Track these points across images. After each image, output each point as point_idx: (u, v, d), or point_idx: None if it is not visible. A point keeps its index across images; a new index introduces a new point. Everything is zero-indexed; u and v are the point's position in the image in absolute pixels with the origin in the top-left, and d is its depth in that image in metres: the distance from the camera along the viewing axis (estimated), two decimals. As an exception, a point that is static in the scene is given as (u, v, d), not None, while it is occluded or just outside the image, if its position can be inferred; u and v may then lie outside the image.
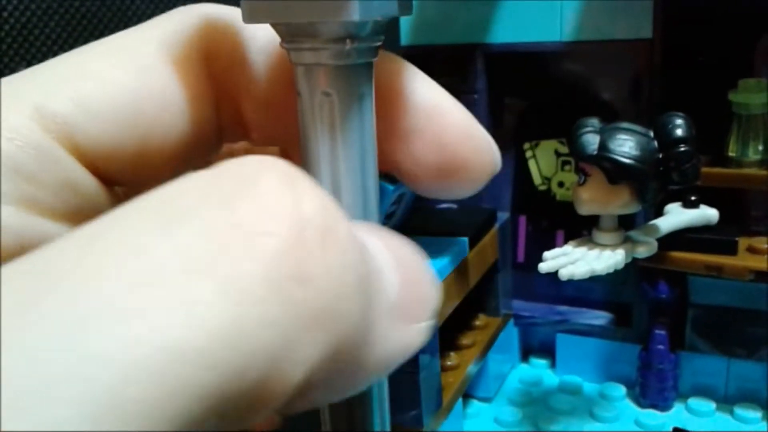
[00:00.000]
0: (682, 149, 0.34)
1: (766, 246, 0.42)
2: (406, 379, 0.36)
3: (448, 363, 0.43)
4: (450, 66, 0.48)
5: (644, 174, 0.35)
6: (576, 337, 0.49)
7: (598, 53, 0.44)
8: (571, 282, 0.47)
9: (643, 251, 0.38)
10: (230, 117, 0.31)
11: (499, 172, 0.47)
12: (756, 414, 0.44)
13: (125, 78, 0.27)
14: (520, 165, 0.51)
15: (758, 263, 0.41)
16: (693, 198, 0.42)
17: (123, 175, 0.28)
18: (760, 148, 0.42)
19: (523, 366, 0.52)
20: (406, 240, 0.27)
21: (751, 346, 0.45)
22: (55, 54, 0.49)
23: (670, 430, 0.42)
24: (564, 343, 0.50)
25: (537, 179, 0.50)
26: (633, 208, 0.36)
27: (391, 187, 0.38)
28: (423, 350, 0.37)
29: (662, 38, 0.42)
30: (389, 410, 0.32)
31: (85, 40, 0.33)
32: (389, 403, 0.33)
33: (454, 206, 0.49)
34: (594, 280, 0.47)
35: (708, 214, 0.42)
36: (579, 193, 0.37)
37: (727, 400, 0.46)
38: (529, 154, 0.50)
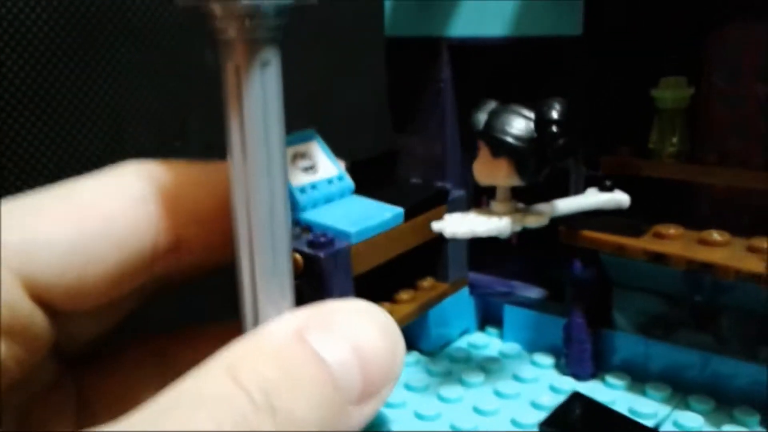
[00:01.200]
0: (553, 129, 0.39)
1: (672, 231, 0.45)
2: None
3: (380, 311, 0.49)
4: (420, 56, 0.54)
5: (519, 150, 0.40)
6: (520, 308, 0.54)
7: (536, 47, 0.49)
8: (519, 257, 0.53)
9: (532, 221, 0.42)
10: (167, 242, 0.40)
11: (466, 156, 0.53)
12: (665, 392, 0.47)
13: (65, 218, 0.37)
14: (483, 149, 0.56)
15: (659, 247, 0.44)
16: (608, 183, 0.46)
17: (70, 301, 0.37)
18: (675, 140, 0.45)
19: (479, 333, 0.57)
20: (367, 311, 0.36)
21: (670, 328, 0.47)
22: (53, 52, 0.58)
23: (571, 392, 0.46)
24: (510, 314, 0.55)
25: (496, 163, 0.55)
26: (515, 180, 0.41)
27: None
28: (333, 292, 0.43)
29: (591, 35, 0.46)
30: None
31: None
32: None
33: (420, 182, 0.55)
34: (537, 257, 0.52)
35: (619, 198, 0.45)
36: (473, 166, 0.42)
37: (644, 379, 0.48)
38: (490, 139, 0.55)
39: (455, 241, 0.54)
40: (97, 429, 0.28)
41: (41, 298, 0.35)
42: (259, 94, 0.38)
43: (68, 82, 0.63)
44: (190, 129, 0.73)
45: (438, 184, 0.53)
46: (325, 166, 0.48)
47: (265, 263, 0.39)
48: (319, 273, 0.42)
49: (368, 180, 0.51)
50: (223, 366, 0.32)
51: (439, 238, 0.52)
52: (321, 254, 0.42)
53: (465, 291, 0.55)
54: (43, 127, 0.62)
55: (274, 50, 0.38)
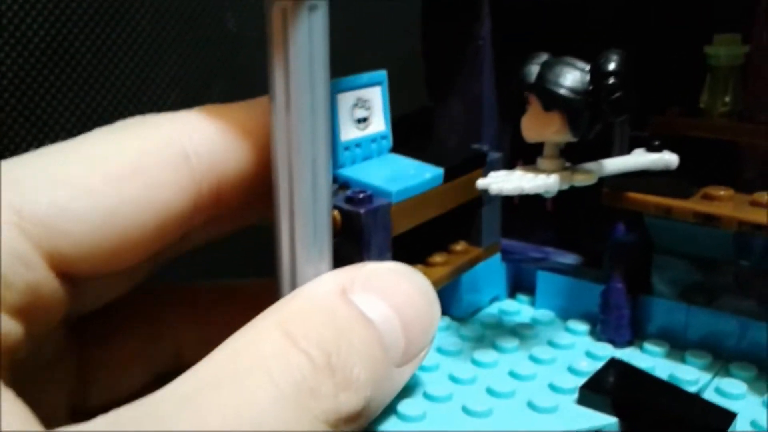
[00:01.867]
0: (611, 81, 0.37)
1: (722, 193, 0.43)
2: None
3: (414, 273, 0.47)
4: (459, 12, 0.52)
5: (573, 102, 0.38)
6: (554, 275, 0.52)
7: (584, 2, 0.47)
8: (554, 224, 0.51)
9: (581, 179, 0.41)
10: (209, 200, 0.37)
11: (504, 117, 0.51)
12: (705, 360, 0.45)
13: (104, 187, 0.32)
14: (521, 112, 0.54)
15: (708, 208, 0.42)
16: (656, 143, 0.44)
17: (97, 270, 0.34)
18: (727, 99, 0.44)
19: (510, 300, 0.56)
20: (406, 273, 0.35)
21: (712, 295, 0.46)
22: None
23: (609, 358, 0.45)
24: (543, 280, 0.53)
25: (533, 125, 0.53)
26: (567, 136, 0.39)
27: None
28: (371, 250, 0.42)
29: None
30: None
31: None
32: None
33: (457, 142, 0.54)
34: (571, 224, 0.50)
35: (667, 159, 0.44)
36: (522, 121, 0.40)
37: (683, 347, 0.47)
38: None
39: (490, 204, 0.52)
40: (160, 392, 0.26)
41: (66, 271, 0.32)
42: (306, 40, 0.36)
43: (88, 46, 0.62)
44: (213, 93, 0.71)
45: (475, 145, 0.51)
46: (377, 120, 0.46)
47: (305, 222, 0.38)
48: (358, 230, 0.41)
49: (404, 138, 0.49)
50: (276, 326, 0.31)
51: (475, 201, 0.50)
52: (361, 210, 0.40)
53: (497, 257, 0.54)
54: (67, 92, 0.60)
55: (322, -6, 0.36)
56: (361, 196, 0.41)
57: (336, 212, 0.41)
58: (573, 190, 0.42)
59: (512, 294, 0.56)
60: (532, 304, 0.54)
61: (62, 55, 0.60)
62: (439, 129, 0.54)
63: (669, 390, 0.42)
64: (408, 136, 0.50)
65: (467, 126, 0.53)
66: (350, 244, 0.42)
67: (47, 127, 0.61)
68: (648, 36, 0.45)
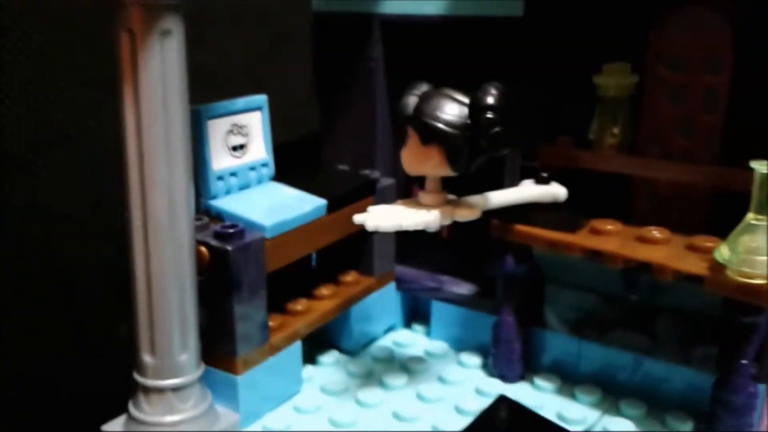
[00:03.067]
0: (489, 116, 0.35)
1: (609, 227, 0.42)
2: (224, 312, 0.39)
3: (297, 308, 0.45)
4: (351, 33, 0.50)
5: (451, 137, 0.36)
6: (448, 305, 0.50)
7: (473, 28, 0.45)
8: (450, 251, 0.49)
9: (463, 215, 0.38)
10: None
11: (398, 141, 0.49)
12: (595, 396, 0.44)
13: None
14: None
15: (594, 243, 0.41)
16: (544, 175, 0.42)
17: None
18: (616, 131, 0.42)
19: (404, 330, 0.53)
20: None
21: (604, 328, 0.45)
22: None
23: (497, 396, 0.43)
24: (438, 310, 0.51)
25: (428, 150, 0.51)
26: (446, 170, 0.37)
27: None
28: (242, 288, 0.39)
29: (532, 16, 0.43)
30: (197, 336, 0.34)
31: None
32: (202, 333, 0.35)
33: (347, 168, 0.51)
34: (468, 251, 0.48)
35: (555, 191, 0.42)
36: (401, 154, 0.38)
37: (575, 381, 0.45)
38: (422, 124, 0.51)
39: (382, 232, 0.49)
40: None
41: None
42: (158, 67, 0.33)
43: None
44: (106, 108, 0.67)
45: (366, 171, 0.49)
46: (256, 147, 0.43)
47: (162, 261, 0.35)
48: (226, 268, 0.37)
49: (290, 165, 0.46)
50: None
51: (366, 229, 0.48)
52: (229, 247, 0.37)
53: (391, 285, 0.51)
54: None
55: (177, 18, 0.33)
56: (231, 230, 0.38)
57: (203, 249, 0.38)
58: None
59: (408, 323, 0.54)
60: (428, 334, 0.52)
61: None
62: (329, 153, 0.51)
63: None
64: (294, 163, 0.47)
65: (359, 151, 0.51)
66: (219, 283, 0.38)
67: None
68: (539, 64, 0.43)
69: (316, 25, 0.51)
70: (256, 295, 0.39)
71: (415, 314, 0.54)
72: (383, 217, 0.37)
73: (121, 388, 0.39)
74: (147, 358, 0.36)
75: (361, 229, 0.46)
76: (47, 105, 0.62)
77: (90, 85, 0.65)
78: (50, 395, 0.63)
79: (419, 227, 0.38)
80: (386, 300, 0.51)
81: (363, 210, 0.44)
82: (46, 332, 0.62)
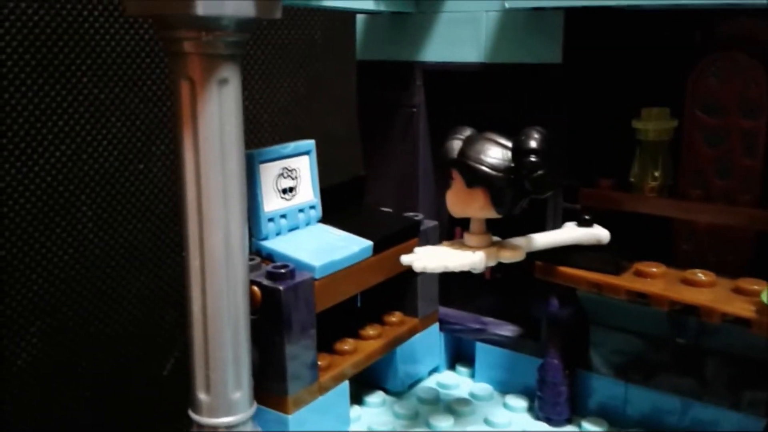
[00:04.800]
0: (532, 159, 0.36)
1: (654, 270, 0.42)
2: (275, 351, 0.39)
3: (345, 347, 0.45)
4: (393, 80, 0.51)
5: (495, 180, 0.36)
6: (493, 347, 0.50)
7: (513, 74, 0.46)
8: (492, 292, 0.49)
9: (508, 256, 0.39)
10: None
11: (440, 183, 0.50)
12: (644, 440, 0.43)
13: None
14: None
15: (640, 286, 0.41)
16: (586, 217, 0.43)
17: None
18: (657, 174, 0.42)
19: (449, 372, 0.53)
20: None
21: (650, 372, 0.44)
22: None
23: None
24: (482, 352, 0.51)
25: (470, 193, 0.51)
26: (491, 212, 0.38)
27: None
28: (293, 327, 0.40)
29: (571, 63, 0.44)
30: (250, 374, 0.35)
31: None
32: (254, 371, 0.36)
33: (390, 210, 0.52)
34: (515, 293, 0.48)
35: (598, 234, 0.42)
36: (446, 197, 0.39)
37: (623, 425, 0.45)
38: (465, 169, 0.52)
39: (426, 274, 0.50)
40: None
41: None
42: (216, 114, 0.35)
43: (26, 104, 0.60)
44: (153, 152, 0.69)
45: (409, 213, 0.50)
46: (305, 189, 0.45)
47: (218, 302, 0.36)
48: (278, 307, 0.38)
49: (336, 208, 0.47)
50: None
51: (410, 271, 0.48)
52: (281, 287, 0.38)
53: (435, 327, 0.52)
54: (2, 150, 0.58)
55: (234, 67, 0.35)
56: (283, 270, 0.39)
57: (255, 288, 0.39)
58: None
59: (452, 365, 0.54)
60: (472, 376, 0.52)
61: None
62: (373, 196, 0.52)
63: (603, 474, 0.40)
64: (340, 205, 0.48)
65: (402, 194, 0.52)
66: (271, 321, 0.39)
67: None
68: (580, 108, 0.44)
69: (360, 73, 0.53)
70: (306, 334, 0.40)
71: (459, 356, 0.54)
72: (430, 259, 0.38)
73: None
74: (202, 395, 0.37)
75: (406, 270, 0.47)
76: (98, 148, 0.65)
77: (140, 130, 0.68)
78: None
79: (465, 268, 0.38)
80: (430, 341, 0.51)
81: (408, 251, 0.44)
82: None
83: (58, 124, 0.62)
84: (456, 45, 0.48)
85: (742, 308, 0.37)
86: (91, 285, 0.66)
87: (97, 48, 0.64)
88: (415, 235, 0.48)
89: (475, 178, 0.37)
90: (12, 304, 0.61)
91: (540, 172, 0.36)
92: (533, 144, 0.36)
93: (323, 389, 0.42)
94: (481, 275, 0.53)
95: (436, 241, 0.51)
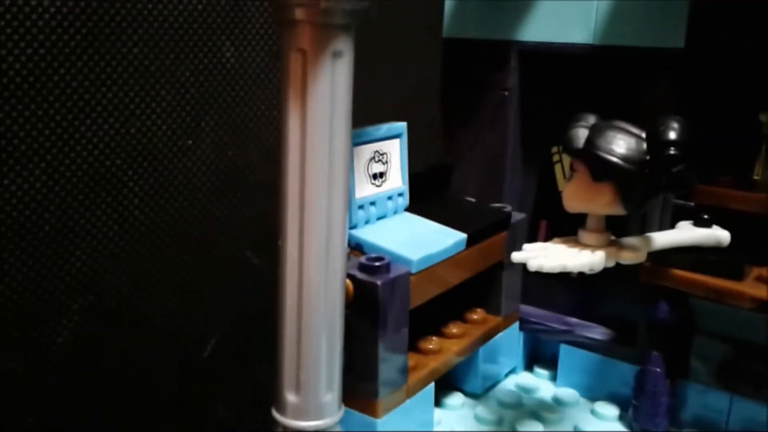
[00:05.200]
0: (672, 152, 0.32)
1: (778, 277, 0.38)
2: (367, 351, 0.36)
3: (429, 346, 0.42)
4: (485, 60, 0.48)
5: (628, 173, 0.33)
6: (579, 350, 0.47)
7: (629, 59, 0.42)
8: (582, 293, 0.46)
9: (628, 257, 0.35)
10: None
11: (526, 174, 0.46)
12: (750, 457, 0.40)
13: None
14: (546, 169, 0.49)
15: (766, 293, 0.37)
16: (705, 217, 0.39)
17: None
18: (787, 173, 0.39)
19: (526, 373, 0.50)
20: None
21: (758, 384, 0.41)
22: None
23: (649, 455, 0.39)
24: (567, 354, 0.48)
25: (561, 184, 0.48)
26: (617, 209, 0.34)
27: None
28: (387, 325, 0.36)
29: (694, 49, 0.40)
30: (341, 376, 0.32)
31: None
32: (345, 372, 0.33)
33: (474, 200, 0.48)
34: (606, 294, 0.45)
35: (718, 235, 0.39)
36: (565, 189, 0.35)
37: (725, 439, 0.42)
38: (555, 158, 0.48)
39: (511, 269, 0.47)
40: None
41: None
42: (328, 88, 0.31)
43: (75, 75, 0.56)
44: (202, 127, 0.66)
45: (496, 204, 0.46)
46: (395, 175, 0.41)
47: (315, 294, 0.32)
48: (374, 302, 0.35)
49: (420, 195, 0.44)
50: None
51: (497, 266, 0.45)
52: (378, 281, 0.35)
53: (515, 326, 0.48)
54: (48, 122, 0.55)
55: (348, 39, 0.31)
56: (378, 264, 0.36)
57: (348, 281, 0.36)
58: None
59: (529, 366, 0.50)
60: (552, 379, 0.49)
61: (45, 83, 0.55)
62: (456, 184, 0.48)
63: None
64: (424, 194, 0.45)
65: (487, 182, 0.48)
66: (364, 318, 0.36)
67: (25, 158, 0.55)
68: (701, 98, 0.40)
69: (447, 52, 0.49)
70: (399, 333, 0.37)
71: (536, 357, 0.50)
72: (547, 257, 0.34)
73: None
74: (291, 397, 0.33)
75: (494, 265, 0.44)
76: (146, 121, 0.61)
77: (189, 104, 0.64)
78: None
79: (584, 269, 0.35)
80: (511, 341, 0.48)
81: (497, 245, 0.41)
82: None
83: (107, 95, 0.59)
84: (562, 24, 0.44)
85: None
86: (135, 263, 0.63)
87: (149, 17, 0.60)
88: (505, 228, 0.44)
89: (604, 170, 0.33)
90: (54, 281, 0.58)
91: (681, 166, 0.32)
92: (674, 135, 0.32)
93: (411, 391, 0.39)
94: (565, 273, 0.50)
95: (525, 234, 0.47)
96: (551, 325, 0.48)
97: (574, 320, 0.48)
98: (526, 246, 0.36)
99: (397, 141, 0.41)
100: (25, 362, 0.55)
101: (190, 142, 0.66)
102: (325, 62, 0.30)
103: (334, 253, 0.32)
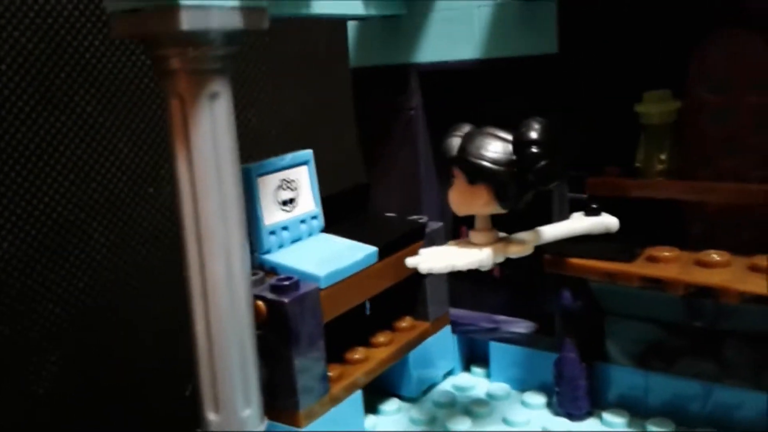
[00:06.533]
0: (534, 150, 0.34)
1: (667, 254, 0.40)
2: (284, 365, 0.38)
3: (356, 356, 0.44)
4: (389, 84, 0.50)
5: (498, 174, 0.35)
6: (508, 345, 0.48)
7: (509, 68, 0.44)
8: (503, 290, 0.47)
9: (515, 251, 0.37)
10: None
11: (442, 184, 0.48)
12: (668, 429, 0.41)
13: None
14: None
15: (653, 271, 0.39)
16: (594, 206, 0.41)
17: None
18: (663, 157, 0.41)
19: (464, 373, 0.51)
20: None
21: (670, 359, 0.42)
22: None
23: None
24: (497, 351, 0.49)
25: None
26: (495, 208, 0.36)
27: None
28: (301, 339, 0.38)
29: (568, 52, 0.42)
30: (259, 390, 0.34)
31: None
32: (263, 387, 0.34)
33: (394, 215, 0.50)
34: (523, 288, 0.47)
35: (607, 222, 0.40)
36: (449, 195, 0.37)
37: (645, 415, 0.43)
38: (465, 167, 0.50)
39: (434, 275, 0.48)
40: None
41: None
42: (208, 129, 0.33)
43: (33, 137, 0.58)
44: (162, 175, 0.68)
45: (414, 216, 0.48)
46: (305, 200, 0.43)
47: (221, 320, 0.34)
48: (284, 320, 0.37)
49: (339, 216, 0.46)
50: None
51: (418, 274, 0.47)
52: (285, 299, 0.37)
53: (447, 329, 0.50)
54: (11, 184, 0.57)
55: (223, 81, 0.33)
56: (287, 283, 0.38)
57: (260, 303, 0.37)
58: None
59: (467, 366, 0.52)
60: (488, 376, 0.50)
61: (4, 148, 0.57)
62: (377, 201, 0.50)
63: (630, 468, 0.38)
64: (343, 213, 0.47)
65: (405, 198, 0.50)
66: (277, 334, 0.38)
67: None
68: (580, 97, 0.43)
69: (355, 79, 0.51)
70: (315, 346, 0.39)
71: (474, 357, 0.52)
72: (435, 259, 0.36)
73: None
74: (211, 415, 0.35)
75: (414, 274, 0.45)
76: (107, 174, 0.64)
77: (147, 154, 0.66)
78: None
79: (473, 266, 0.36)
80: (443, 344, 0.49)
81: (414, 255, 0.43)
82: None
83: (66, 153, 0.61)
84: (450, 43, 0.46)
85: (759, 285, 0.35)
86: (107, 311, 0.65)
87: (99, 75, 0.62)
88: (420, 238, 0.46)
89: (476, 174, 0.35)
90: (30, 334, 0.59)
91: (543, 162, 0.34)
92: (534, 135, 0.34)
93: (335, 400, 0.40)
94: (490, 273, 0.52)
95: (443, 242, 0.49)
96: (480, 324, 0.50)
97: (501, 318, 0.50)
98: (421, 250, 0.38)
99: (304, 168, 0.43)
100: (7, 416, 0.57)
101: (152, 189, 0.68)
102: (203, 105, 0.33)
103: (236, 279, 0.34)
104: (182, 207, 0.34)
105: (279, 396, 0.38)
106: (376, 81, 0.50)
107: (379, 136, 0.51)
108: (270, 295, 0.37)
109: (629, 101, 0.42)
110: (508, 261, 0.38)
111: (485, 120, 0.38)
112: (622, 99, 0.42)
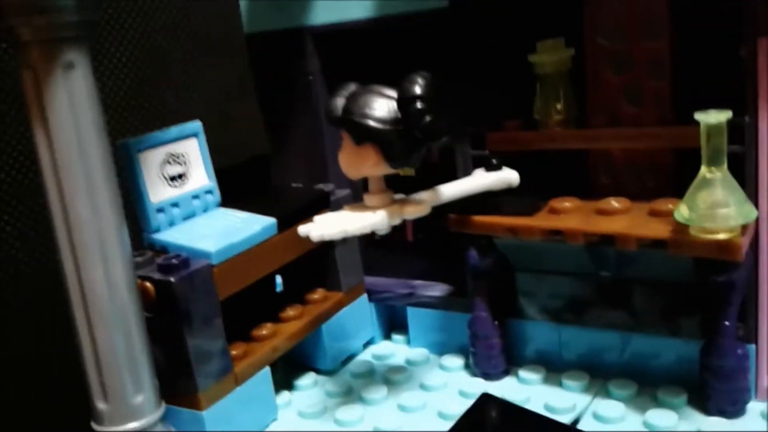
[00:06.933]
0: (418, 106, 0.32)
1: (567, 205, 0.39)
2: (178, 347, 0.36)
3: (263, 332, 0.42)
4: (285, 49, 0.48)
5: (384, 133, 0.33)
6: (423, 309, 0.47)
7: (403, 26, 0.42)
8: (418, 255, 0.46)
9: (411, 212, 0.36)
10: None
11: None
12: (582, 381, 0.41)
13: None
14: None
15: (553, 223, 0.38)
16: (494, 162, 0.40)
17: None
18: (560, 107, 0.40)
19: (385, 342, 0.50)
20: None
21: (580, 311, 0.42)
22: None
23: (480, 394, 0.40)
24: (414, 316, 0.48)
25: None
26: (385, 168, 0.34)
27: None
28: (193, 319, 0.36)
29: (458, 5, 0.40)
30: (152, 375, 0.32)
31: None
32: (160, 371, 0.32)
33: (300, 185, 0.48)
34: (436, 251, 0.45)
35: (508, 177, 0.39)
36: (339, 158, 0.35)
37: (561, 369, 0.42)
38: (371, 131, 0.48)
39: (345, 244, 0.47)
40: None
41: None
42: (65, 101, 0.31)
43: None
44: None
45: (320, 185, 0.46)
46: (197, 174, 0.41)
47: (101, 308, 0.32)
48: (173, 300, 0.35)
49: (238, 189, 0.43)
50: None
51: (326, 244, 0.45)
52: (172, 278, 0.35)
53: (363, 298, 0.48)
54: None
55: (80, 50, 0.31)
56: (175, 261, 0.36)
57: (148, 284, 0.35)
58: (430, 216, 0.37)
59: (388, 334, 0.51)
60: (408, 342, 0.49)
61: None
62: (281, 172, 0.48)
63: (544, 424, 0.37)
64: (244, 187, 0.45)
65: (311, 166, 0.48)
66: (168, 318, 0.36)
67: None
68: (472, 51, 0.41)
69: (251, 46, 0.49)
70: (211, 324, 0.37)
71: (394, 324, 0.51)
72: (327, 226, 0.34)
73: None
74: (100, 404, 0.33)
75: (323, 245, 0.44)
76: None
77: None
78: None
79: (366, 230, 0.35)
80: (360, 313, 0.48)
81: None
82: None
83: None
84: (342, 3, 0.44)
85: (656, 230, 0.34)
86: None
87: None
88: (325, 207, 0.45)
89: (362, 134, 0.33)
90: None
91: (428, 118, 0.32)
92: (417, 90, 0.32)
93: (240, 379, 0.39)
94: (403, 238, 0.50)
95: (351, 209, 0.48)
96: (396, 291, 0.48)
97: (417, 282, 0.49)
98: (315, 218, 0.36)
99: (194, 140, 0.41)
100: None
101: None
102: (56, 76, 0.30)
103: (112, 260, 0.32)
104: (46, 186, 0.31)
105: (177, 379, 0.36)
106: (271, 47, 0.48)
107: (279, 105, 0.48)
108: (157, 275, 0.35)
109: (525, 53, 0.40)
110: (423, 225, 0.37)
111: (385, 80, 0.37)
112: (517, 50, 0.40)
